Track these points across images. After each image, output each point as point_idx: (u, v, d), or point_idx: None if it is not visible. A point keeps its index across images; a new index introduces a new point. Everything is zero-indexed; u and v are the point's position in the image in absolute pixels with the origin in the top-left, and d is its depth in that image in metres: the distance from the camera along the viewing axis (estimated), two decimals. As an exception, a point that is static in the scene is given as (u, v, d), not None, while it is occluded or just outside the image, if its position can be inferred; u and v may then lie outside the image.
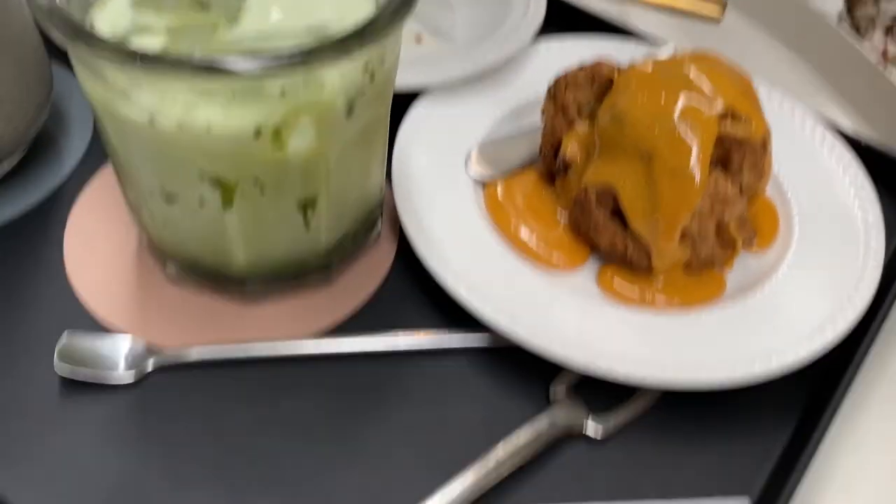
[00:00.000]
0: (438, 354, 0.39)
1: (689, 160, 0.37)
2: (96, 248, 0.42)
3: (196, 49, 0.33)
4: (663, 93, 0.38)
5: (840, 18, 0.97)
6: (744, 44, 0.62)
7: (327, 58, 0.29)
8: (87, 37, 0.29)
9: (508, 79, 0.50)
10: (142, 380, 0.37)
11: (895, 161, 0.49)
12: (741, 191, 0.39)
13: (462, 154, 0.46)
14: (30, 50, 0.42)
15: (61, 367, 0.36)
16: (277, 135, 0.32)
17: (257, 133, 0.32)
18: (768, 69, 0.60)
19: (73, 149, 0.47)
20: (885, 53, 0.89)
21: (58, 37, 0.30)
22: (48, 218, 0.43)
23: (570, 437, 0.36)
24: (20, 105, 0.41)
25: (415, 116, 0.46)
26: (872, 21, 0.92)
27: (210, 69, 0.28)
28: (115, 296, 0.40)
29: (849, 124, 0.56)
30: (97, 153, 0.47)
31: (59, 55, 0.46)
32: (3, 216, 0.43)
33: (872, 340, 0.39)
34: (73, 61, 0.33)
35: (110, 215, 0.43)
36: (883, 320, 0.40)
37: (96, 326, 0.39)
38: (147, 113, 0.31)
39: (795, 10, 0.62)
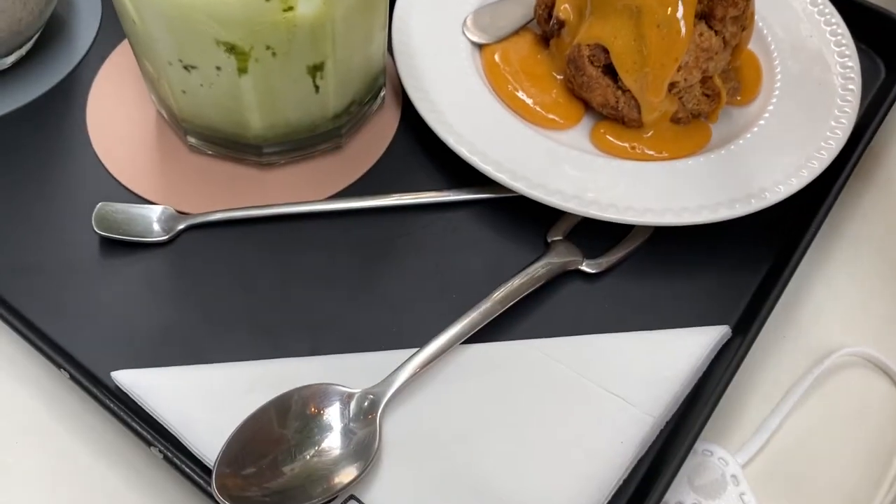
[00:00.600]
0: (443, 209, 0.42)
1: (674, 13, 0.39)
2: (118, 123, 0.44)
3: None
4: (651, -52, 0.39)
5: None
6: None
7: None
8: None
9: (501, -55, 0.51)
10: (174, 238, 0.40)
11: (875, 14, 0.50)
12: (725, 43, 0.41)
13: (459, 19, 0.47)
14: (36, -69, 0.43)
15: (99, 230, 0.39)
16: (287, -1, 0.34)
17: (268, -3, 0.34)
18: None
19: (84, 32, 0.48)
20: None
21: None
22: (68, 97, 0.45)
23: (567, 273, 0.40)
24: (33, -14, 0.43)
25: (411, -16, 0.48)
26: None
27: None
28: (140, 168, 0.43)
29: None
30: (108, 35, 0.48)
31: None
32: (25, 97, 0.45)
33: (843, 185, 0.42)
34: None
35: (128, 93, 0.45)
36: (854, 165, 0.43)
37: (126, 196, 0.41)
38: (164, -20, 0.33)
39: None
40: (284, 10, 0.34)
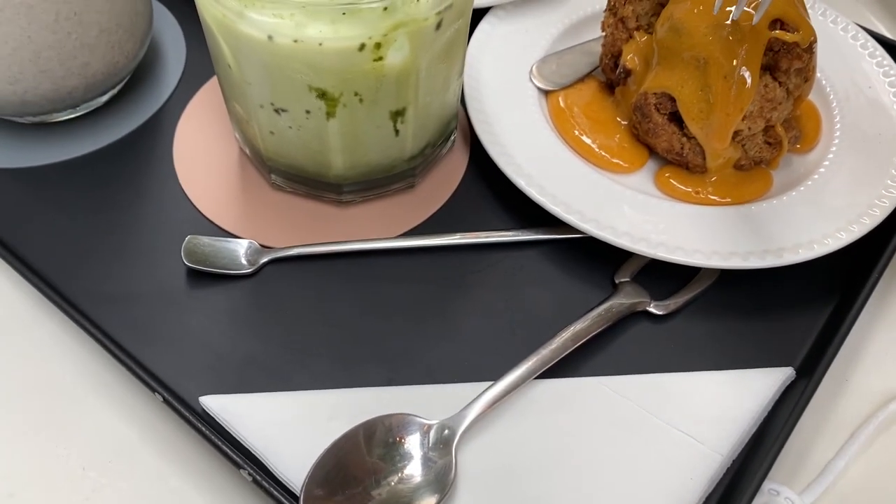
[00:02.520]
0: (512, 248, 0.44)
1: (741, 65, 0.41)
2: (203, 160, 0.47)
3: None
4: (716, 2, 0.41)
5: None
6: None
7: (424, -23, 0.34)
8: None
9: (566, -4, 0.54)
10: (258, 271, 0.42)
11: (933, 66, 0.52)
12: (788, 93, 0.43)
13: (526, 67, 0.49)
14: (135, -19, 0.46)
15: (188, 262, 0.41)
16: (378, 48, 0.36)
17: (361, 47, 0.36)
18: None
19: (171, 73, 0.51)
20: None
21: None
22: (157, 134, 0.48)
23: (634, 314, 0.41)
24: (131, 32, 0.46)
25: (481, 33, 0.50)
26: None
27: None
28: (225, 203, 0.45)
29: (887, 31, 0.58)
30: (192, 77, 0.51)
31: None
32: (118, 133, 0.48)
33: (907, 229, 0.43)
34: (194, -12, 0.38)
35: (212, 131, 0.48)
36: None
37: (212, 230, 0.44)
38: (266, 31, 0.35)
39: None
40: (375, 60, 0.37)
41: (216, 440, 0.35)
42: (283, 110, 0.40)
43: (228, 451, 0.34)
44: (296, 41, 0.35)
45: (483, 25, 0.51)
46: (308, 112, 0.39)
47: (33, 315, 0.41)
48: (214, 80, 0.50)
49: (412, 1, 0.36)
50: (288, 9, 0.35)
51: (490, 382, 0.37)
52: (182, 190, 0.45)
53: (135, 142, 0.48)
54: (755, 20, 0.40)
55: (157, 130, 0.48)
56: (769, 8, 0.41)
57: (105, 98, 0.48)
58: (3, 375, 0.39)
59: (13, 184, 0.45)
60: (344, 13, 0.35)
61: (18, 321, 0.41)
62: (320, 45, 0.35)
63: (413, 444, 0.35)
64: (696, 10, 0.42)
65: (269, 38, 0.36)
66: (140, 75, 0.51)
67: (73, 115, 0.48)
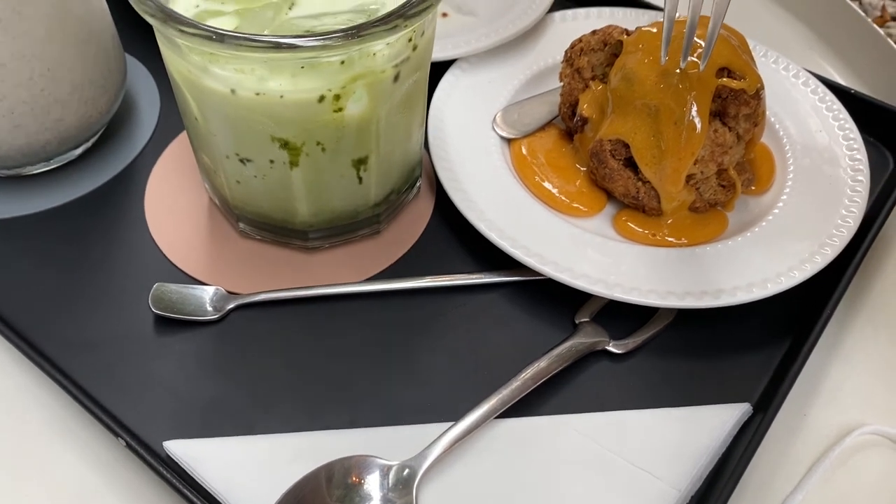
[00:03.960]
0: (474, 290, 0.45)
1: (691, 112, 0.42)
2: (173, 209, 0.48)
3: (264, 30, 0.39)
4: (667, 53, 0.43)
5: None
6: (743, 5, 0.67)
7: (378, 32, 0.35)
8: (178, 20, 0.35)
9: (528, 47, 0.56)
10: (224, 317, 0.43)
11: (881, 109, 0.54)
12: (738, 138, 0.44)
13: (489, 116, 0.51)
14: (109, 40, 0.48)
15: (155, 309, 0.42)
16: (337, 100, 0.38)
17: (321, 99, 0.37)
18: (767, 29, 0.65)
19: (144, 127, 0.53)
20: (883, 11, 0.93)
21: (151, 21, 0.35)
22: (129, 185, 0.49)
23: (594, 353, 0.42)
24: (104, 88, 0.47)
25: (446, 84, 0.52)
26: (871, -18, 0.96)
27: (281, 46, 0.34)
28: (194, 251, 0.46)
29: (839, 76, 0.61)
30: (165, 131, 0.52)
31: (127, 48, 0.52)
32: (91, 185, 0.49)
33: (856, 269, 0.44)
34: (161, 43, 0.39)
35: (182, 181, 0.49)
36: (865, 252, 0.45)
37: (180, 277, 0.45)
38: (229, 85, 0.37)
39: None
40: (335, 111, 0.38)
41: (178, 485, 0.35)
42: (248, 160, 0.41)
43: (191, 495, 0.35)
44: (258, 94, 0.37)
45: (448, 76, 0.53)
46: (272, 162, 0.41)
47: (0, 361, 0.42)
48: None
49: (369, 55, 0.37)
50: (249, 64, 0.36)
51: (452, 423, 0.38)
52: (152, 238, 0.46)
53: (108, 193, 0.49)
54: (701, 67, 0.42)
55: (130, 181, 0.50)
56: (716, 57, 0.43)
57: (79, 151, 0.50)
58: (-30, 424, 0.40)
59: (-14, 235, 0.46)
60: (303, 67, 0.36)
61: (-13, 370, 0.42)
62: (281, 97, 0.37)
63: (373, 484, 0.35)
64: (646, 61, 0.44)
65: (232, 91, 0.37)
66: (114, 128, 0.52)
67: (46, 168, 0.49)
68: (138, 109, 0.54)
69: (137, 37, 0.52)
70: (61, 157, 0.49)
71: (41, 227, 0.47)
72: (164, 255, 0.46)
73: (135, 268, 0.45)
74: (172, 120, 0.53)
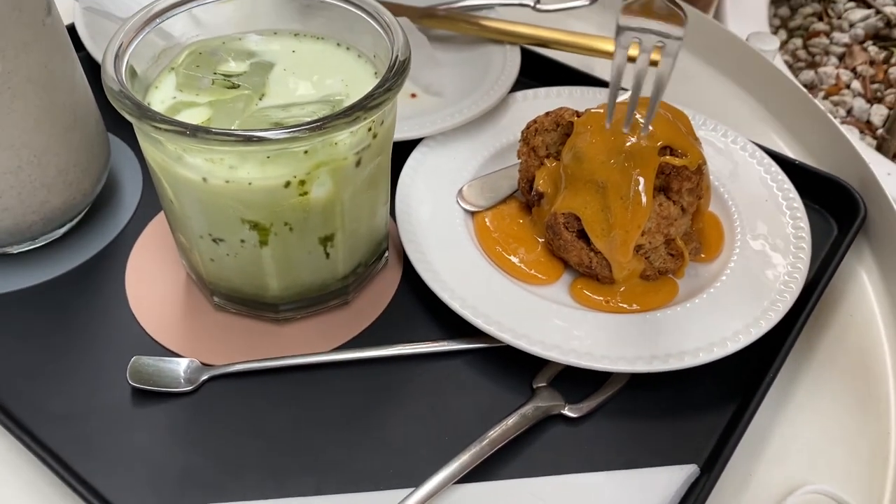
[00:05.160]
0: (439, 358, 0.47)
1: (636, 187, 0.45)
2: (153, 284, 0.50)
3: (235, 121, 0.42)
4: (612, 133, 0.46)
5: (794, 48, 1.06)
6: (692, 81, 0.71)
7: (340, 125, 0.38)
8: (152, 117, 0.38)
9: (491, 125, 0.59)
10: (198, 388, 0.45)
11: (824, 179, 0.57)
12: (683, 210, 0.47)
13: (454, 190, 0.54)
14: (93, 125, 0.51)
15: (133, 381, 0.44)
16: (302, 185, 0.41)
17: (287, 184, 0.40)
18: (723, 104, 0.69)
19: (127, 204, 0.56)
20: (837, 79, 0.98)
21: (128, 118, 0.39)
22: (111, 262, 0.52)
23: (551, 417, 0.44)
24: (87, 171, 0.50)
25: (413, 161, 0.55)
26: (826, 51, 1.01)
27: (251, 139, 0.37)
28: (170, 324, 0.48)
29: (788, 148, 0.64)
30: (147, 209, 0.55)
31: (111, 128, 0.55)
32: (72, 262, 0.51)
33: (800, 331, 0.47)
34: (138, 134, 0.42)
35: (163, 258, 0.52)
36: (808, 315, 0.48)
37: (157, 349, 0.47)
38: (200, 173, 0.40)
39: (738, 49, 0.70)
40: (300, 195, 0.41)
41: (148, 553, 0.37)
42: (221, 240, 0.44)
43: (160, 563, 0.36)
44: (227, 182, 0.40)
45: (416, 154, 0.56)
46: (243, 241, 0.43)
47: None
48: (168, 209, 0.55)
49: (330, 144, 0.40)
50: (219, 154, 0.39)
51: (411, 489, 0.40)
52: (132, 313, 0.49)
53: (90, 269, 0.51)
54: (643, 132, 0.45)
55: (112, 258, 0.52)
56: (658, 136, 0.46)
57: (63, 230, 0.52)
58: (-48, 497, 0.41)
59: (-28, 312, 0.49)
60: (268, 157, 0.39)
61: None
62: (250, 184, 0.40)
63: (334, 550, 0.37)
64: (593, 141, 0.47)
65: (204, 179, 0.40)
66: (98, 206, 0.55)
67: (31, 247, 0.52)
68: (121, 188, 0.57)
69: (122, 119, 0.55)
70: (45, 236, 0.51)
71: (23, 303, 0.49)
72: (143, 328, 0.48)
73: (114, 341, 0.47)
74: (154, 198, 0.55)
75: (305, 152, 0.40)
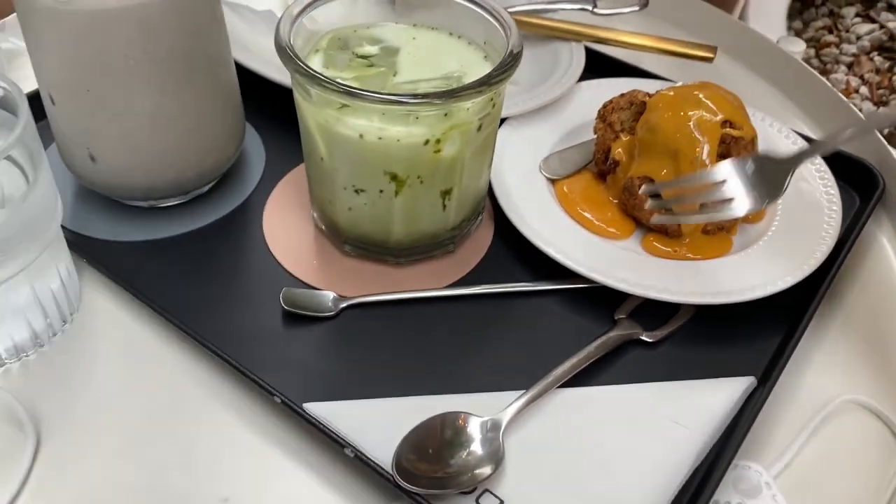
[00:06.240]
0: (532, 296, 0.56)
1: (702, 154, 0.55)
2: (288, 235, 0.60)
3: (381, 90, 0.51)
4: (682, 110, 0.56)
5: (807, 57, 1.17)
6: (731, 78, 0.81)
7: (472, 94, 0.48)
8: (320, 79, 0.47)
9: (563, 109, 0.69)
10: (338, 314, 0.54)
11: (847, 159, 0.67)
12: (738, 175, 0.57)
13: (536, 161, 0.64)
14: (238, 100, 0.60)
15: (286, 306, 0.53)
16: (438, 143, 0.50)
17: (426, 142, 0.50)
18: (752, 97, 0.79)
19: (254, 171, 0.65)
20: (847, 85, 1.08)
21: (303, 80, 0.48)
22: (248, 214, 0.61)
23: (631, 342, 0.53)
24: (232, 138, 0.60)
25: (501, 137, 0.64)
26: (836, 60, 1.11)
27: (401, 102, 0.46)
28: (308, 264, 0.57)
29: (812, 134, 0.74)
30: (270, 176, 0.64)
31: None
32: (217, 214, 0.61)
33: (832, 280, 0.56)
34: (301, 97, 0.51)
35: (294, 213, 0.61)
36: (839, 267, 0.57)
37: (299, 284, 0.56)
38: (358, 130, 0.49)
39: (771, 51, 0.80)
40: (434, 152, 0.50)
41: (323, 428, 0.46)
42: (363, 190, 0.53)
43: (333, 436, 0.45)
44: (380, 138, 0.49)
45: (502, 131, 0.65)
46: (381, 191, 0.52)
47: (165, 343, 0.53)
48: (290, 175, 0.64)
49: (463, 109, 0.50)
50: (370, 116, 0.49)
51: (522, 392, 0.49)
52: (272, 256, 0.58)
53: (231, 221, 0.60)
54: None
55: (249, 212, 0.61)
56: (720, 111, 0.56)
57: (207, 188, 0.61)
58: (147, 391, 0.50)
59: (138, 254, 0.58)
60: (417, 118, 0.48)
61: (148, 351, 0.52)
62: (398, 140, 0.49)
63: (474, 429, 0.46)
64: (666, 115, 0.56)
65: (361, 136, 0.49)
66: (233, 171, 0.64)
67: (181, 201, 0.61)
68: (250, 158, 0.66)
69: (247, 103, 0.64)
70: (196, 191, 0.60)
71: (180, 247, 0.58)
72: (285, 268, 0.57)
73: (262, 278, 0.56)
74: (277, 165, 0.65)
75: (445, 114, 0.49)
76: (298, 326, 0.53)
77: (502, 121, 0.66)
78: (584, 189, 0.62)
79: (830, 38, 1.17)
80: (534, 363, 0.51)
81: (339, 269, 0.57)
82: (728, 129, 0.55)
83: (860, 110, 1.04)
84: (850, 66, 1.12)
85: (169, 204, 0.61)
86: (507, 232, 0.59)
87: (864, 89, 1.07)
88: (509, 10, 0.77)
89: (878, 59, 1.12)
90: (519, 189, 0.61)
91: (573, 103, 0.69)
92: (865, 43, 1.14)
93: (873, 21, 1.20)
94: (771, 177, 0.52)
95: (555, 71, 0.71)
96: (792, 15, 1.20)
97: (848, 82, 1.08)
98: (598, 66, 0.76)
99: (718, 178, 0.53)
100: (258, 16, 0.71)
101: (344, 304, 0.54)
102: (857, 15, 1.19)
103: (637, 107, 0.60)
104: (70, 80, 0.52)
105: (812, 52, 1.16)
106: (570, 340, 0.53)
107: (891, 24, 1.17)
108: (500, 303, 0.56)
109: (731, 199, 0.52)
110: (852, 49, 1.14)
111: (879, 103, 1.06)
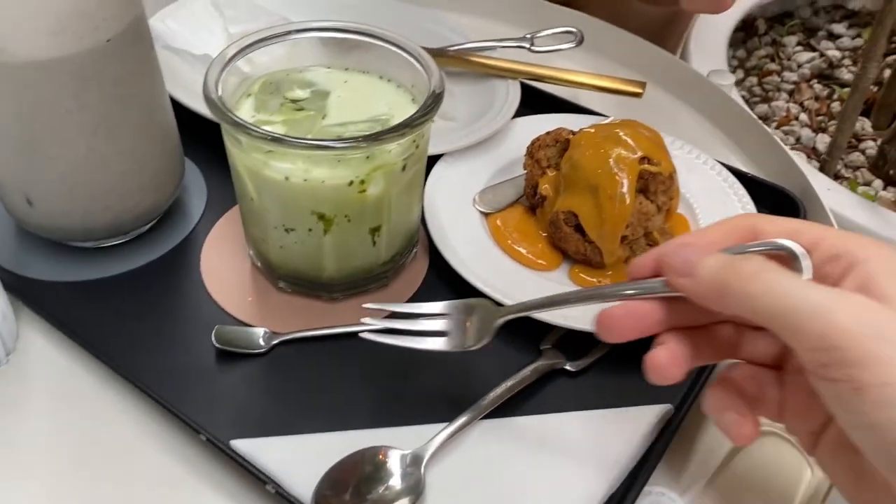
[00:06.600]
0: (464, 329, 0.58)
1: (621, 189, 0.57)
2: (224, 272, 0.61)
3: (307, 135, 0.53)
4: (602, 147, 0.58)
5: (749, 85, 1.20)
6: (662, 110, 0.84)
7: (393, 136, 0.50)
8: (246, 127, 0.49)
9: (497, 145, 0.71)
10: (270, 350, 0.55)
11: (771, 188, 0.69)
12: (658, 208, 0.59)
13: (470, 197, 0.65)
14: (176, 141, 0.62)
15: (218, 343, 0.54)
16: (362, 184, 0.52)
17: (350, 183, 0.51)
18: (682, 128, 0.82)
19: (195, 210, 0.66)
20: (788, 112, 1.12)
21: (229, 128, 0.50)
22: (187, 253, 0.62)
23: (555, 371, 0.55)
24: (171, 176, 0.61)
25: (436, 173, 0.66)
26: (777, 88, 1.15)
27: (324, 147, 0.48)
28: (242, 302, 0.59)
29: (742, 164, 0.77)
30: (211, 212, 0.66)
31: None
32: (155, 254, 0.62)
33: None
34: (229, 143, 0.53)
35: (230, 251, 0.62)
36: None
37: (232, 321, 0.57)
38: (283, 173, 0.51)
39: (700, 84, 0.83)
40: (359, 192, 0.52)
41: (246, 465, 0.47)
42: (292, 229, 0.55)
43: (255, 473, 0.47)
44: (305, 180, 0.51)
45: (437, 167, 0.67)
46: (310, 230, 0.54)
47: (100, 384, 0.54)
48: (230, 212, 0.66)
49: (386, 151, 0.51)
50: (297, 159, 0.50)
51: (446, 423, 0.50)
52: (209, 294, 0.59)
53: (171, 259, 0.62)
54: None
55: (187, 251, 0.63)
56: (638, 148, 0.58)
57: (147, 227, 0.63)
58: (81, 430, 0.51)
59: (75, 295, 0.59)
60: (339, 161, 0.50)
61: (82, 392, 0.53)
62: (323, 182, 0.51)
63: (394, 463, 0.47)
64: (587, 153, 0.59)
65: (286, 178, 0.51)
66: (173, 209, 0.65)
67: (123, 241, 0.62)
68: (190, 196, 0.67)
69: (188, 141, 0.66)
70: (135, 231, 0.62)
71: (119, 286, 0.59)
72: (220, 305, 0.58)
73: (197, 315, 0.58)
74: (217, 203, 0.67)
75: (367, 157, 0.51)
76: (230, 364, 0.55)
77: (439, 156, 0.68)
78: (515, 223, 0.64)
79: (772, 66, 1.21)
80: (461, 394, 0.53)
81: (274, 305, 0.59)
82: (646, 166, 0.58)
83: (798, 138, 1.07)
84: (791, 93, 1.16)
85: (109, 244, 0.62)
86: (441, 264, 0.60)
87: (803, 116, 1.11)
88: (451, 48, 0.80)
89: (817, 86, 1.16)
90: (453, 223, 0.63)
91: (508, 139, 0.72)
92: (806, 71, 1.18)
93: (814, 49, 1.24)
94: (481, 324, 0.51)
95: (491, 107, 0.74)
96: (735, 44, 1.24)
97: (788, 110, 1.12)
98: (535, 102, 0.78)
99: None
100: (197, 59, 0.72)
101: (276, 341, 0.56)
102: (799, 43, 1.23)
103: (562, 144, 0.62)
104: (3, 126, 0.53)
105: (754, 79, 1.20)
106: (498, 372, 0.55)
107: (830, 53, 1.21)
108: (431, 336, 0.58)
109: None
110: (793, 77, 1.18)
111: (818, 130, 1.09)
